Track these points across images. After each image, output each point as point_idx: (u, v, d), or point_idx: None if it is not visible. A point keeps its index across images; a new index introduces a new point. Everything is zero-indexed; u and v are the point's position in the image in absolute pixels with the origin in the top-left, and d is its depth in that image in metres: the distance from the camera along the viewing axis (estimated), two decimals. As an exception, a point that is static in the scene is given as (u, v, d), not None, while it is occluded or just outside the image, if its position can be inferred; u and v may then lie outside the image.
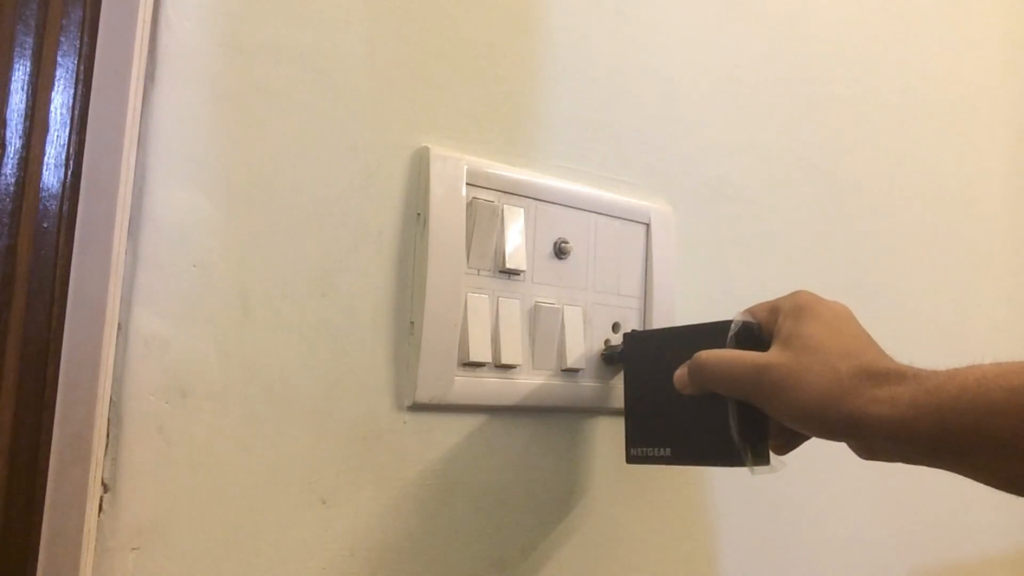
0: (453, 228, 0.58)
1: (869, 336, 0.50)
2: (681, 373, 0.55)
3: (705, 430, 0.55)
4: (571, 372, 0.65)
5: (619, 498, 0.69)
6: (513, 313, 0.61)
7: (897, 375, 0.46)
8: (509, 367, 0.61)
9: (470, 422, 0.60)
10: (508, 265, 0.61)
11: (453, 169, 0.59)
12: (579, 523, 0.66)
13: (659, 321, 0.70)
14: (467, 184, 0.59)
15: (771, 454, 0.55)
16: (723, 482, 0.76)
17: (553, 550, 0.65)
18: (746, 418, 0.53)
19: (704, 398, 0.54)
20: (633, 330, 0.66)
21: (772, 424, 0.54)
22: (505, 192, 0.62)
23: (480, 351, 0.59)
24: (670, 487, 0.73)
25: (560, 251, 0.64)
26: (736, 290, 0.78)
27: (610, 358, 0.66)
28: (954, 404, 0.43)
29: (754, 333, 0.54)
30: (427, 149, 0.58)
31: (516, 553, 0.62)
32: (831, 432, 0.48)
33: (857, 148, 0.93)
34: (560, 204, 0.65)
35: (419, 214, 0.58)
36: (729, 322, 0.54)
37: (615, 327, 0.68)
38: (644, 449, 0.59)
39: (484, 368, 0.60)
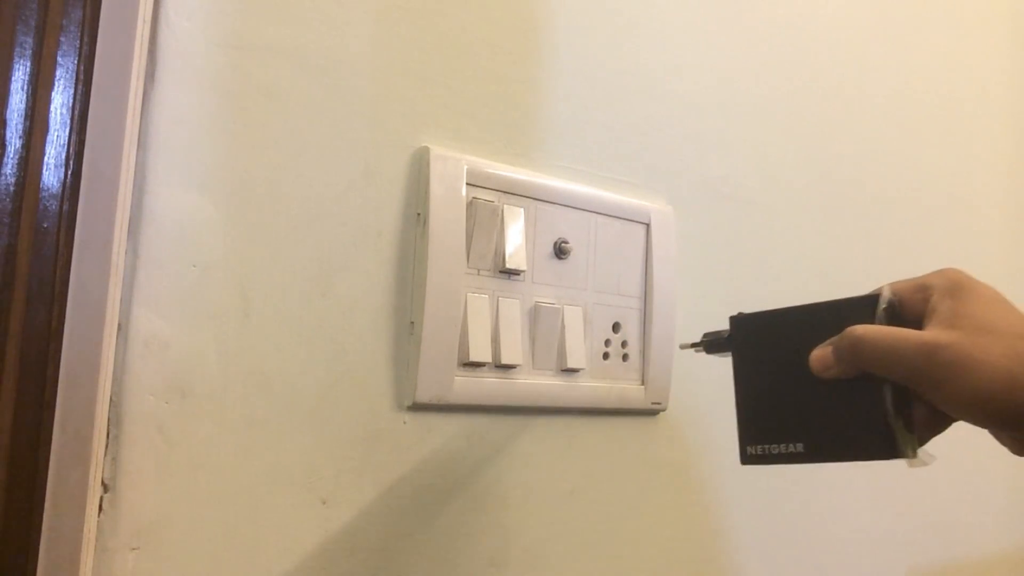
0: (453, 228, 0.58)
1: None
2: (823, 353, 0.48)
3: (851, 420, 0.48)
4: (571, 372, 0.65)
5: (619, 498, 0.69)
6: (513, 313, 0.61)
7: None
8: (509, 367, 0.61)
9: (470, 422, 0.60)
10: (508, 265, 0.61)
11: (453, 169, 0.59)
12: (579, 523, 0.66)
13: (659, 321, 0.70)
14: (467, 184, 0.59)
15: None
16: (724, 482, 0.76)
17: (553, 550, 0.65)
18: (898, 405, 0.46)
19: (848, 384, 0.47)
20: (740, 312, 0.56)
21: (916, 412, 0.48)
22: (505, 192, 0.61)
23: (480, 351, 0.59)
24: (671, 487, 0.73)
25: (560, 251, 0.64)
26: (736, 290, 0.78)
27: (714, 346, 0.56)
28: None
29: (897, 311, 0.48)
30: (427, 149, 0.58)
31: (516, 553, 0.62)
32: (1006, 421, 0.43)
33: (857, 148, 0.93)
34: (560, 204, 0.65)
35: (419, 214, 0.58)
36: (875, 296, 0.48)
37: (615, 327, 0.68)
38: (767, 446, 0.51)
39: (484, 368, 0.60)
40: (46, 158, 0.50)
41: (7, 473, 0.48)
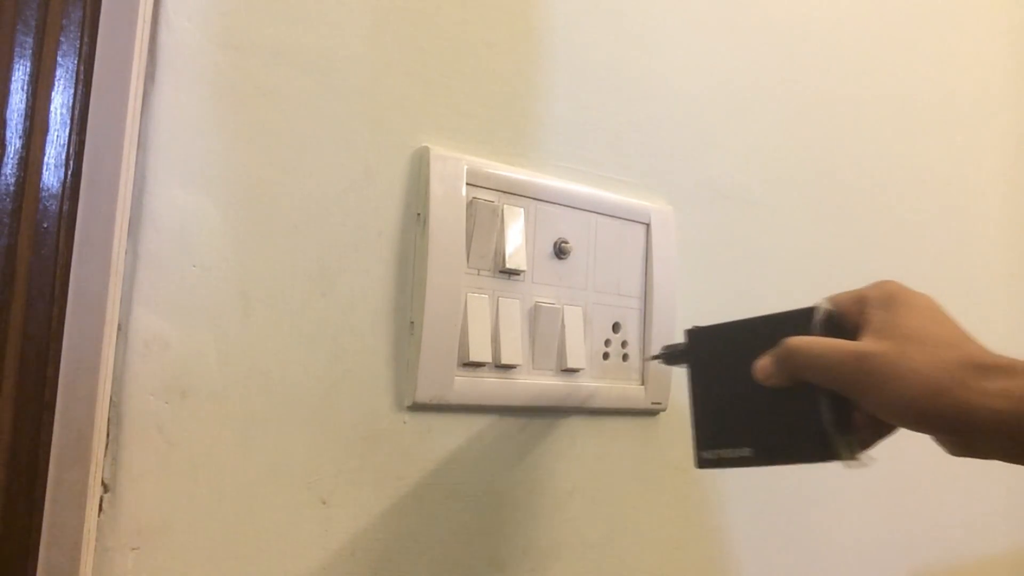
0: (453, 228, 0.58)
1: (963, 328, 0.48)
2: (764, 363, 0.51)
3: (791, 425, 0.51)
4: (571, 372, 0.65)
5: (619, 498, 0.69)
6: (513, 313, 0.61)
7: (1008, 368, 0.44)
8: (509, 367, 0.61)
9: (470, 422, 0.60)
10: (508, 265, 0.61)
11: (453, 169, 0.59)
12: (579, 523, 0.66)
13: (659, 321, 0.70)
14: (467, 184, 0.59)
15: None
16: (724, 482, 0.76)
17: (553, 550, 0.65)
18: (835, 410, 0.49)
19: (788, 391, 0.50)
20: (695, 326, 0.60)
21: (858, 417, 0.50)
22: (505, 192, 0.62)
23: (480, 351, 0.59)
24: (671, 487, 0.73)
25: (560, 251, 0.64)
26: (736, 290, 0.78)
27: (672, 357, 0.61)
28: None
29: (836, 322, 0.50)
30: (427, 149, 0.58)
31: (516, 553, 0.62)
32: (933, 426, 0.45)
33: (857, 148, 0.93)
34: (560, 204, 0.65)
35: (419, 214, 0.58)
36: (812, 308, 0.51)
37: (615, 327, 0.68)
38: (719, 451, 0.54)
39: (484, 368, 0.60)
40: (46, 158, 0.50)
41: (7, 473, 0.48)
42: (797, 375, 0.49)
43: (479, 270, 0.60)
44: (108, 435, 0.46)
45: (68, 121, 0.51)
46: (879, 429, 0.51)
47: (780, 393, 0.51)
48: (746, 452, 0.53)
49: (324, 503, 0.53)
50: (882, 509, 0.93)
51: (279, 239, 0.53)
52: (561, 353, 0.64)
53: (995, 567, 1.07)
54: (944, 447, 0.48)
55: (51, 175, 0.50)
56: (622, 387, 0.68)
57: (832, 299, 0.51)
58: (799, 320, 0.51)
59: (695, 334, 0.59)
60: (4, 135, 0.49)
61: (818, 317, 0.50)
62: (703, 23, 0.78)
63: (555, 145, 0.66)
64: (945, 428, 0.46)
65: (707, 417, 0.56)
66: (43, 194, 0.50)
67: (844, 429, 0.49)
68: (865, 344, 0.47)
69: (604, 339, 0.67)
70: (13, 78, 0.49)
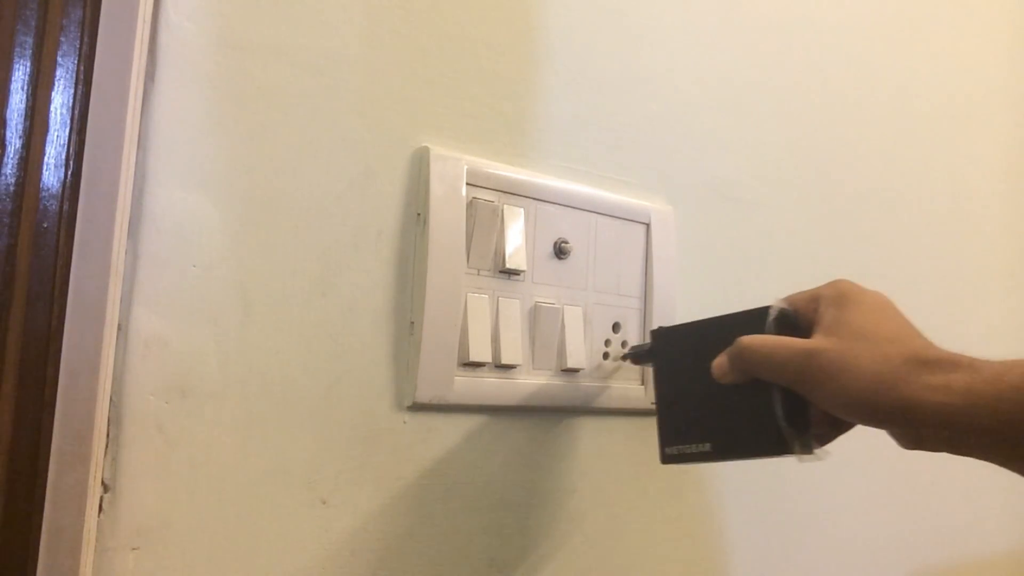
0: (453, 228, 0.58)
1: (913, 324, 0.49)
2: (721, 361, 0.53)
3: (747, 421, 0.52)
4: (571, 372, 0.65)
5: (619, 498, 0.69)
6: (513, 313, 0.61)
7: (950, 362, 0.45)
8: (509, 367, 0.61)
9: (470, 422, 0.60)
10: (508, 265, 0.61)
11: (453, 169, 0.59)
12: (579, 523, 0.66)
13: (659, 321, 0.70)
14: (467, 184, 0.59)
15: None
16: (724, 482, 0.76)
17: (553, 550, 0.65)
18: (789, 406, 0.51)
19: (745, 388, 0.52)
20: (660, 326, 0.63)
21: (814, 413, 0.52)
22: (505, 192, 0.62)
23: (480, 351, 0.59)
24: (671, 487, 0.73)
25: (560, 251, 0.64)
26: (736, 290, 0.78)
27: (639, 356, 0.64)
28: (1013, 395, 0.42)
29: (791, 320, 0.52)
30: (427, 149, 0.58)
31: (516, 553, 0.62)
32: (880, 419, 0.47)
33: (857, 148, 0.93)
34: (560, 204, 0.65)
35: (419, 214, 0.58)
36: (767, 308, 0.52)
37: (615, 327, 0.68)
38: (681, 447, 0.56)
39: (484, 368, 0.60)
40: (46, 158, 0.50)
41: (7, 473, 0.48)
42: (750, 372, 0.51)
43: (479, 270, 0.60)
44: (108, 435, 0.46)
45: (68, 121, 0.51)
46: (835, 424, 0.53)
47: (737, 390, 0.52)
48: (706, 447, 0.55)
49: (324, 503, 0.53)
50: (882, 509, 0.93)
51: (279, 239, 0.53)
52: (561, 353, 0.64)
53: (995, 567, 1.07)
54: (896, 440, 0.49)
55: (51, 175, 0.50)
56: (622, 387, 0.68)
57: (788, 299, 0.53)
58: (755, 319, 0.52)
59: (660, 334, 0.61)
60: (4, 135, 0.49)
61: (772, 316, 0.52)
62: (703, 23, 0.78)
63: (555, 145, 0.66)
64: (891, 422, 0.47)
65: (670, 414, 0.58)
66: (43, 194, 0.50)
67: (798, 424, 0.51)
68: (814, 341, 0.49)
69: (604, 339, 0.67)
70: (13, 78, 0.49)
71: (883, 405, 0.45)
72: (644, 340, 0.69)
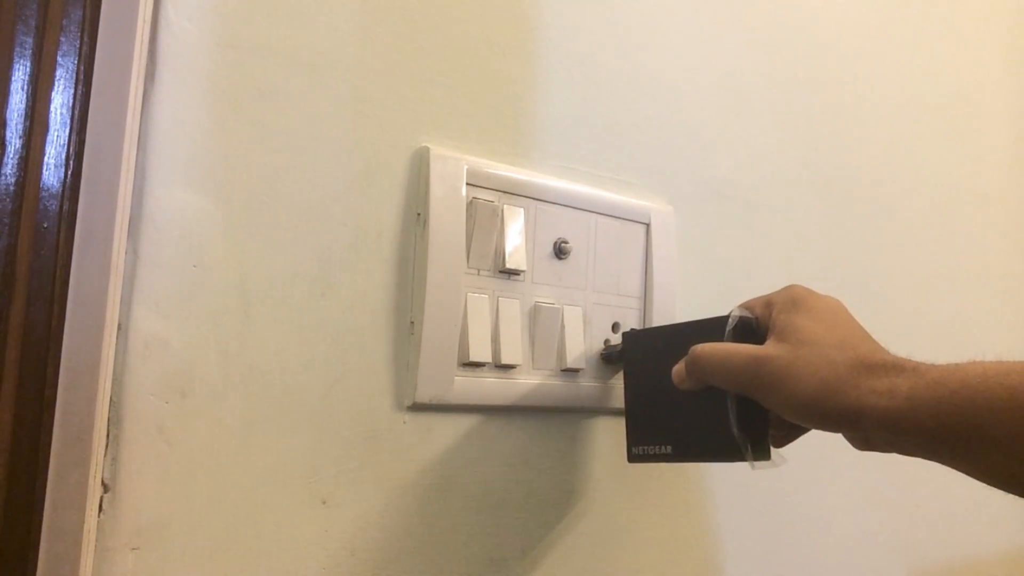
0: (453, 228, 0.58)
1: (863, 329, 0.50)
2: (679, 368, 0.55)
3: (705, 426, 0.54)
4: (571, 372, 0.65)
5: (619, 498, 0.69)
6: (513, 313, 0.61)
7: (895, 367, 0.46)
8: (509, 367, 0.61)
9: (470, 422, 0.60)
10: (508, 265, 0.61)
11: (453, 169, 0.59)
12: (579, 523, 0.66)
13: (659, 321, 0.70)
14: (467, 184, 0.59)
15: (772, 449, 0.54)
16: (723, 481, 0.76)
17: (552, 550, 0.65)
18: (745, 412, 0.52)
19: (703, 393, 0.53)
20: (632, 329, 0.65)
21: (771, 418, 0.53)
22: (505, 192, 0.62)
23: (480, 351, 0.59)
24: (670, 487, 0.73)
25: (560, 251, 0.64)
26: (736, 290, 0.78)
27: (610, 357, 0.66)
28: (953, 399, 0.43)
29: (751, 327, 0.53)
30: (427, 149, 0.58)
31: (516, 553, 0.62)
32: (828, 423, 0.48)
33: (857, 148, 0.93)
34: (560, 204, 0.65)
35: (419, 214, 0.58)
36: (726, 317, 0.54)
37: (615, 327, 0.68)
38: (645, 448, 0.59)
39: (484, 368, 0.60)
40: (46, 158, 0.50)
41: (7, 473, 0.48)
42: (704, 380, 0.53)
43: (479, 270, 0.60)
44: (108, 435, 0.46)
45: (68, 121, 0.51)
46: (791, 428, 0.55)
47: (695, 396, 0.54)
48: (667, 449, 0.57)
49: (324, 503, 0.53)
50: (882, 508, 0.93)
51: (279, 239, 0.53)
52: (561, 353, 0.64)
53: (995, 567, 1.07)
54: (849, 441, 0.50)
55: (51, 175, 0.50)
56: (622, 387, 0.68)
57: (745, 305, 0.55)
58: (715, 327, 0.54)
59: (630, 337, 0.63)
60: (4, 135, 0.49)
61: (730, 325, 0.53)
62: (703, 23, 0.78)
63: (555, 145, 0.66)
64: (839, 425, 0.48)
65: (637, 415, 0.60)
66: (43, 194, 0.50)
67: (754, 430, 0.52)
68: (764, 348, 0.50)
69: (604, 339, 0.67)
70: (13, 78, 0.49)
71: (830, 410, 0.46)
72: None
